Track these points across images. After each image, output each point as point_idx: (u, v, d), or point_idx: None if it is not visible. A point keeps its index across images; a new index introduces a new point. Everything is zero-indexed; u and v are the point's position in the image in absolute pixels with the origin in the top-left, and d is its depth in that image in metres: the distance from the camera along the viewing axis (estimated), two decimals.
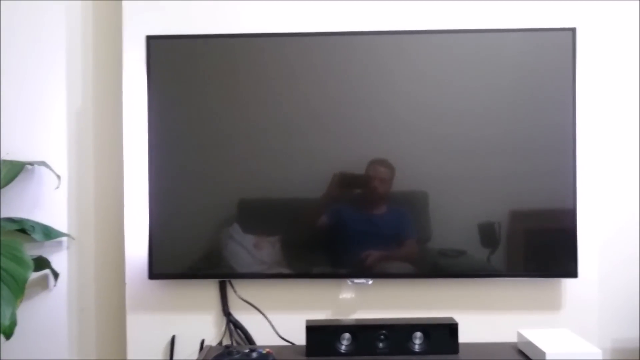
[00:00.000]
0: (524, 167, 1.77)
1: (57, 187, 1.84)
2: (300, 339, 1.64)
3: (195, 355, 1.79)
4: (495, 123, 1.78)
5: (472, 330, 1.70)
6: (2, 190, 1.81)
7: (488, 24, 1.81)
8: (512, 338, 1.65)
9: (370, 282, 1.79)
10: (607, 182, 1.90)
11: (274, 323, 1.84)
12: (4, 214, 1.86)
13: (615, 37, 1.91)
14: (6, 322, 1.49)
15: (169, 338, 1.86)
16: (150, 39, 1.80)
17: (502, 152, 1.77)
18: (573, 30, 1.76)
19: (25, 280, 1.55)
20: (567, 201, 1.76)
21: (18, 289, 1.53)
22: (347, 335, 1.59)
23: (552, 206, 1.78)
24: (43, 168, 1.87)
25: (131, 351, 1.85)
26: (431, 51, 1.79)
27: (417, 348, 1.58)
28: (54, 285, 1.88)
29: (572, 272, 1.77)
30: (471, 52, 1.78)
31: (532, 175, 1.77)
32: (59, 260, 1.91)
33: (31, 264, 1.59)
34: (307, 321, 1.61)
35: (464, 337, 1.60)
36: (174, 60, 1.81)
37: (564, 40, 1.76)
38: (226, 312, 1.85)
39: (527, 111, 1.77)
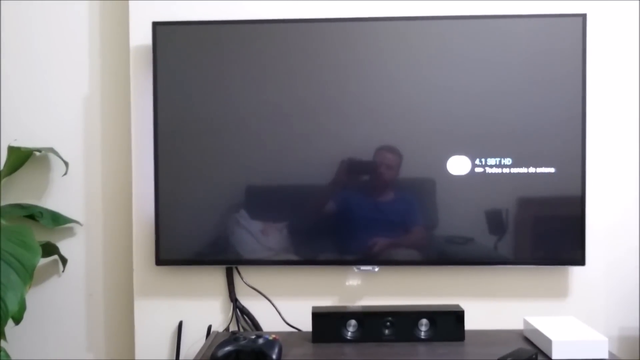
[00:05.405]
0: (532, 154, 1.76)
1: (65, 174, 1.85)
2: (306, 325, 1.64)
3: (202, 340, 1.80)
4: (504, 110, 1.76)
5: (478, 317, 1.70)
6: (11, 177, 1.82)
7: (497, 10, 1.79)
8: (519, 325, 1.65)
9: (376, 269, 1.79)
10: (616, 170, 1.88)
11: (280, 309, 1.84)
12: (13, 201, 1.87)
13: (626, 24, 1.88)
14: (15, 307, 1.50)
15: (176, 324, 1.87)
16: (156, 25, 1.79)
17: (511, 138, 1.76)
18: (583, 17, 1.74)
19: (33, 266, 1.56)
20: (575, 188, 1.75)
21: (27, 275, 1.54)
22: (353, 322, 1.59)
23: (560, 193, 1.77)
24: (51, 155, 1.88)
25: (139, 336, 1.87)
26: (440, 37, 1.77)
27: (423, 335, 1.58)
28: (63, 271, 1.90)
29: (579, 260, 1.76)
30: (480, 38, 1.76)
31: (540, 162, 1.76)
32: (68, 246, 1.92)
33: (39, 249, 1.59)
34: (314, 308, 1.62)
35: (470, 324, 1.60)
36: (180, 46, 1.80)
37: (574, 27, 1.74)
38: (233, 299, 1.86)
39: (536, 98, 1.75)
